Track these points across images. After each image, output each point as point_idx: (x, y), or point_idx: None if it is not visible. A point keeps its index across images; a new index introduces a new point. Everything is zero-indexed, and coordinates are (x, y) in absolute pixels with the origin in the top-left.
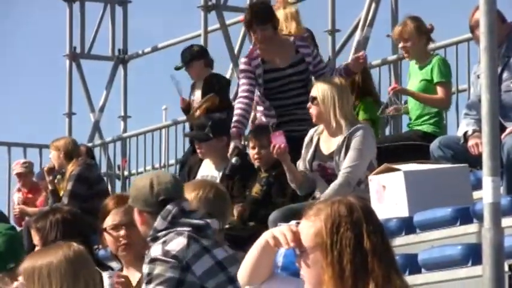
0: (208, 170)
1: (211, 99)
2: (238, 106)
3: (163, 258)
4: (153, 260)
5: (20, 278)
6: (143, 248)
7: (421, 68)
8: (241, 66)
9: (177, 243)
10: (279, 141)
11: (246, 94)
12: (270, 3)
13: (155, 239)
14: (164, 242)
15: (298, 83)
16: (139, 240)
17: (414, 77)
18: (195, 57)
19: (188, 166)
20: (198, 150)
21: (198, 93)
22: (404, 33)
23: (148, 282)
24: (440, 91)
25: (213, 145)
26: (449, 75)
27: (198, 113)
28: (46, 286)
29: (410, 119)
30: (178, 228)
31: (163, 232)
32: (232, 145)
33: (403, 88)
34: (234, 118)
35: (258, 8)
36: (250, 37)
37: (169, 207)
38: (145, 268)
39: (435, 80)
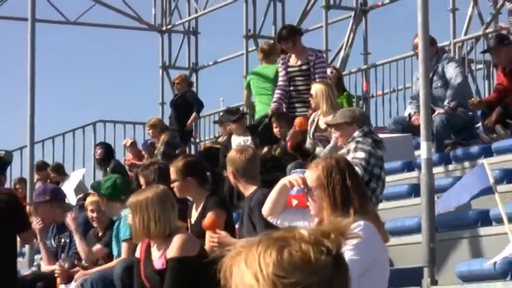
0: (239, 139)
1: None
2: (277, 91)
3: None
4: None
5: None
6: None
7: None
8: (280, 62)
9: None
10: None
11: (282, 83)
12: (293, 28)
13: None
14: None
15: (304, 77)
16: (187, 190)
17: None
18: None
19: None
20: (228, 127)
21: None
22: None
23: None
24: None
25: (240, 123)
26: None
27: None
28: (145, 212)
29: None
30: None
31: None
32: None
33: None
34: (274, 99)
35: (281, 33)
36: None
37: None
38: None
39: None
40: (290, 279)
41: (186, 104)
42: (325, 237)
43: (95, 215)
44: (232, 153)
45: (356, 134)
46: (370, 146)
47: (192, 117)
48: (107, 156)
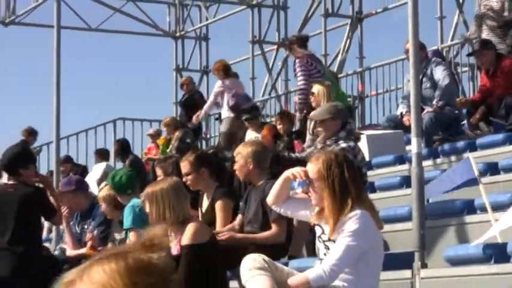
0: (252, 134)
1: None
2: (299, 91)
3: None
4: None
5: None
6: (208, 184)
7: None
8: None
9: None
10: None
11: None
12: (292, 39)
13: None
14: None
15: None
16: (200, 181)
17: None
18: None
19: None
20: (246, 123)
21: None
22: None
23: None
24: None
25: (253, 120)
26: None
27: None
28: (160, 202)
29: None
30: None
31: None
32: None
33: None
34: (300, 99)
35: (286, 41)
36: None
37: None
38: None
39: None
40: (143, 282)
41: (194, 104)
42: (149, 246)
43: (105, 208)
44: (251, 146)
45: (342, 134)
46: (353, 149)
47: (195, 116)
48: (123, 151)
